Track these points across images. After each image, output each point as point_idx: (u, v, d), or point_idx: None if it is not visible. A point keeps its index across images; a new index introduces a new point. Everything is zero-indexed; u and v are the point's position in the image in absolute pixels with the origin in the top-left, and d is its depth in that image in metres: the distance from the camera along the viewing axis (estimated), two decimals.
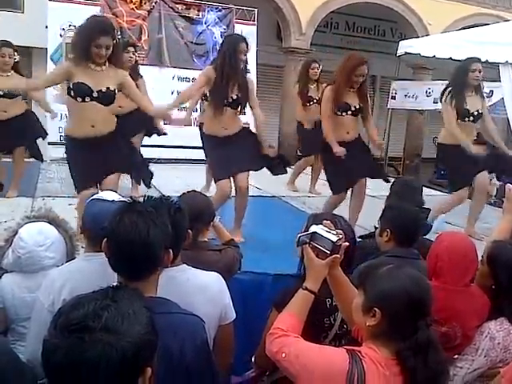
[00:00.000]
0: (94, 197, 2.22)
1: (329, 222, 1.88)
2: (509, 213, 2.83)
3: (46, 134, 5.86)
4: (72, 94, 3.66)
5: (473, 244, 2.32)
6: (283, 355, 1.60)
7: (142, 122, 5.51)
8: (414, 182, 3.95)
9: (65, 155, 3.93)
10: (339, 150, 4.34)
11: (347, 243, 1.86)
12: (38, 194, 5.42)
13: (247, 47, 4.18)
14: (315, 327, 1.68)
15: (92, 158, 3.69)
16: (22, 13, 9.92)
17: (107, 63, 3.71)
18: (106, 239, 1.65)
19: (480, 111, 4.84)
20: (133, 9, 8.60)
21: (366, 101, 4.54)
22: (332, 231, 1.83)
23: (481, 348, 2.24)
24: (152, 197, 1.81)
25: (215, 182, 4.37)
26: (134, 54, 5.42)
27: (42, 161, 5.95)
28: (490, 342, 2.23)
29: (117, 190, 3.74)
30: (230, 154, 4.19)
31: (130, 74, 4.33)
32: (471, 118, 4.83)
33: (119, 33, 3.85)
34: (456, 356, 2.26)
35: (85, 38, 3.62)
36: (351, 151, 4.45)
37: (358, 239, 3.27)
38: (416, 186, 3.73)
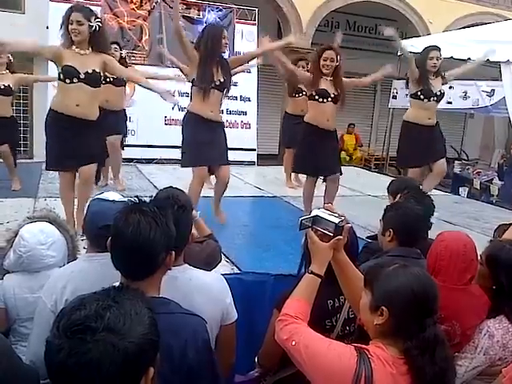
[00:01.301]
0: (97, 197, 2.24)
1: (330, 205, 1.88)
2: None
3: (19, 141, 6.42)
4: (61, 76, 3.94)
5: (473, 243, 2.32)
6: (293, 343, 1.61)
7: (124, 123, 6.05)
8: (414, 182, 3.93)
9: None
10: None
11: (349, 225, 1.87)
12: (40, 194, 5.42)
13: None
14: (316, 329, 1.68)
15: (70, 141, 3.94)
16: (23, 13, 9.90)
17: (90, 48, 3.98)
18: (110, 237, 1.66)
19: (442, 91, 5.37)
20: (133, 9, 8.60)
21: (342, 89, 4.88)
22: (334, 214, 1.83)
23: (480, 346, 2.23)
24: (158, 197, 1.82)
25: (184, 167, 4.61)
26: (115, 51, 5.62)
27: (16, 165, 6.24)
28: (489, 340, 2.23)
29: (93, 180, 4.26)
30: (210, 143, 4.42)
31: None
32: (435, 98, 5.35)
33: (98, 19, 4.00)
34: (456, 354, 2.25)
35: (63, 20, 3.93)
36: (325, 142, 4.91)
37: (366, 240, 3.27)
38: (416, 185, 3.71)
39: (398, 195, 3.31)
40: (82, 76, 3.89)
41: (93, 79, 3.94)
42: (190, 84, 4.56)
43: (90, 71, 3.91)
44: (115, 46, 5.71)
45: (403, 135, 5.63)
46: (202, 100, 4.38)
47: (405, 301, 1.54)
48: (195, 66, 4.38)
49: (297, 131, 5.73)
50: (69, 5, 8.20)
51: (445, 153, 5.71)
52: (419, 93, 5.30)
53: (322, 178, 5.19)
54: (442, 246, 2.29)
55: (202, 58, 4.35)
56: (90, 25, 3.89)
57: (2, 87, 5.61)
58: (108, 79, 5.44)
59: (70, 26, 3.87)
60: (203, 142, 4.39)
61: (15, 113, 6.34)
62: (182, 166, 4.63)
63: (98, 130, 4.14)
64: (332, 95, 4.82)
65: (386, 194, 5.67)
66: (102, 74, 4.06)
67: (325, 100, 4.81)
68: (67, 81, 3.89)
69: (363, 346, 1.58)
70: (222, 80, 4.40)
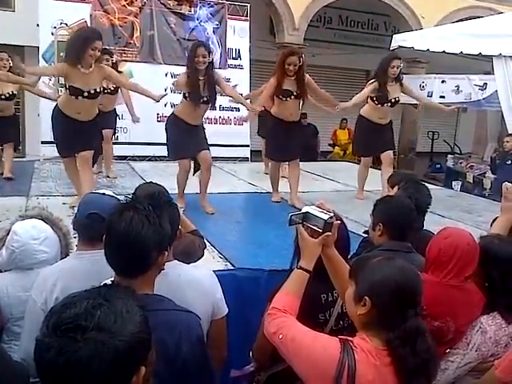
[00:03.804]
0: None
1: (321, 202, 1.91)
2: (506, 212, 2.82)
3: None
4: (68, 92, 4.55)
5: (476, 243, 2.31)
6: (280, 337, 1.63)
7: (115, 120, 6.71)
8: (412, 175, 3.94)
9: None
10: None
11: (339, 221, 1.89)
12: (33, 193, 5.39)
13: (205, 50, 4.80)
14: (310, 323, 1.69)
15: (72, 133, 4.60)
16: (14, 11, 9.86)
17: (93, 64, 4.52)
18: (105, 234, 1.66)
19: (397, 99, 5.98)
20: (124, 6, 8.55)
21: (303, 87, 5.34)
22: (324, 210, 1.87)
23: (472, 342, 2.23)
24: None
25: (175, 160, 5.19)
26: (108, 61, 5.86)
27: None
28: (482, 337, 2.22)
29: (90, 164, 4.94)
30: (191, 138, 4.94)
31: None
32: (388, 104, 5.94)
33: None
34: (448, 350, 2.25)
35: (83, 42, 4.41)
36: (291, 131, 5.49)
37: (360, 235, 3.28)
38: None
39: (396, 187, 3.34)
40: (86, 94, 4.52)
41: (94, 96, 4.61)
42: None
43: (92, 91, 4.54)
44: (107, 56, 5.88)
45: (358, 127, 6.36)
46: (190, 111, 4.91)
47: (387, 291, 1.56)
48: (185, 80, 4.86)
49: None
50: (59, 2, 8.18)
51: (393, 145, 6.37)
52: (374, 98, 5.91)
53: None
54: (446, 243, 2.27)
55: (188, 75, 4.84)
56: None
57: (7, 95, 6.16)
58: (106, 91, 5.90)
59: (91, 51, 4.37)
60: (184, 141, 4.92)
61: None
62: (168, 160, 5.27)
63: (96, 126, 4.82)
64: (295, 93, 5.32)
65: (380, 188, 5.69)
66: (101, 90, 4.71)
67: (288, 98, 5.34)
68: (72, 97, 4.51)
69: (348, 338, 1.59)
70: (207, 97, 4.90)
